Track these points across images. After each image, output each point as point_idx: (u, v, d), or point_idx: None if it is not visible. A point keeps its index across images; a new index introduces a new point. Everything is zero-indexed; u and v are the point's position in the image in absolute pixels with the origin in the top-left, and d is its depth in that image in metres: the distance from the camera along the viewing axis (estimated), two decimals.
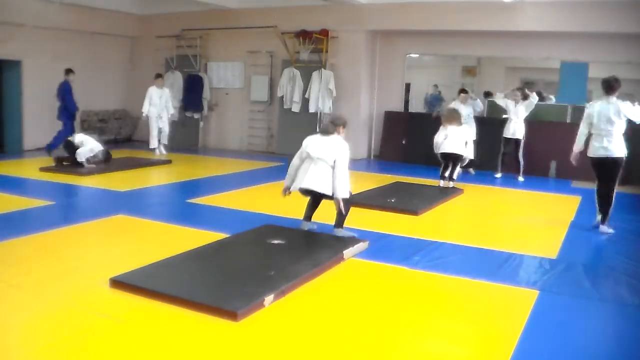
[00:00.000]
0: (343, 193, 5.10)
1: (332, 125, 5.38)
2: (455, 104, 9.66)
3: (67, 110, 10.71)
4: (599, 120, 5.96)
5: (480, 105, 10.12)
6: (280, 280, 3.97)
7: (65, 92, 10.69)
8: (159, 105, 11.01)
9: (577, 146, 6.22)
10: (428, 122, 10.05)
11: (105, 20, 12.31)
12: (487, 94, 10.24)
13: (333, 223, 5.31)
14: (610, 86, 5.98)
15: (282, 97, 11.63)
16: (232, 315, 3.41)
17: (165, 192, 7.75)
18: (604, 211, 6.11)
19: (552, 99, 10.52)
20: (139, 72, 13.37)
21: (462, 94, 9.84)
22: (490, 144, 9.98)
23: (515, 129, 9.29)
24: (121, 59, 13.27)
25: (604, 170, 6.09)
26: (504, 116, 9.58)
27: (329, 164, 5.14)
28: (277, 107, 11.93)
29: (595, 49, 9.83)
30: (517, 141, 9.35)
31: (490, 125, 10.18)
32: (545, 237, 5.88)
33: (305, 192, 5.31)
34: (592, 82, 10.32)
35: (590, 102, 6.37)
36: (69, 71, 10.98)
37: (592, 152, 6.08)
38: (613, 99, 5.95)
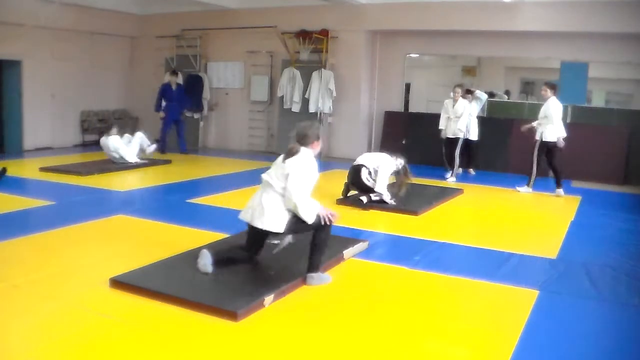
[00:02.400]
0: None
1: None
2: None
3: (167, 111, 11.24)
4: (560, 113, 7.98)
5: (484, 95, 10.04)
6: (280, 280, 3.97)
7: (159, 92, 11.28)
8: None
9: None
10: (428, 122, 10.06)
11: (105, 20, 12.30)
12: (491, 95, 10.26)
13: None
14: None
15: (282, 97, 11.62)
16: (232, 315, 3.41)
17: (165, 192, 7.75)
18: (560, 178, 8.14)
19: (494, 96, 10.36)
20: (139, 72, 13.37)
21: (468, 95, 9.90)
22: (491, 144, 10.01)
23: (454, 128, 9.22)
24: (121, 59, 13.27)
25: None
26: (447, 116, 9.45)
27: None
28: (277, 107, 11.92)
29: (595, 49, 9.82)
30: (454, 140, 9.25)
31: (492, 125, 10.20)
32: (545, 237, 5.89)
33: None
34: (592, 82, 10.34)
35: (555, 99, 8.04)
36: (171, 73, 11.46)
37: (558, 137, 7.90)
38: None
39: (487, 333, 3.47)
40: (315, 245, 4.14)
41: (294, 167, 3.99)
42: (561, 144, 7.94)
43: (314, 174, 4.11)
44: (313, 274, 4.11)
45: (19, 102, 11.06)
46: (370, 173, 6.91)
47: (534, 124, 8.14)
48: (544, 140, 7.95)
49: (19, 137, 11.15)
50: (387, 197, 6.83)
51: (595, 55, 9.92)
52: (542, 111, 8.00)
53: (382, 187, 6.84)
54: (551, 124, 7.86)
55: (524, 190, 8.18)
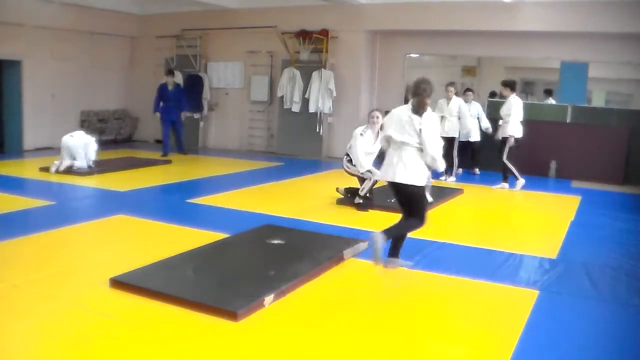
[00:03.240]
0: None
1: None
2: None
3: (163, 112, 10.87)
4: (521, 111, 8.26)
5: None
6: (280, 280, 3.97)
7: (157, 93, 10.88)
8: None
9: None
10: None
11: (105, 20, 12.31)
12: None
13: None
14: None
15: (282, 97, 11.63)
16: (232, 315, 3.41)
17: (165, 192, 7.75)
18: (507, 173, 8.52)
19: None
20: (139, 72, 13.37)
21: (467, 92, 9.84)
22: (492, 145, 10.00)
23: (450, 127, 9.08)
24: (121, 59, 13.27)
25: None
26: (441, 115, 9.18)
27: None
28: (277, 107, 11.93)
29: (595, 49, 9.82)
30: (451, 140, 9.06)
31: (492, 125, 10.18)
32: (545, 237, 5.89)
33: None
34: (592, 82, 10.34)
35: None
36: (166, 73, 11.12)
37: (511, 135, 8.22)
38: None
39: (487, 333, 3.47)
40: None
41: (429, 122, 4.28)
42: (511, 142, 8.20)
43: None
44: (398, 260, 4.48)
45: (19, 102, 11.06)
46: (350, 160, 6.77)
47: (500, 122, 8.41)
48: (516, 137, 8.23)
49: (19, 137, 11.15)
50: (369, 174, 6.60)
51: (595, 55, 9.92)
52: (505, 109, 8.26)
53: (360, 165, 6.61)
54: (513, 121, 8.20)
55: (518, 185, 8.32)
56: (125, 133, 13.40)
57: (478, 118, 9.84)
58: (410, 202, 4.44)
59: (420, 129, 4.22)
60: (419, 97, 4.29)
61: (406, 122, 4.28)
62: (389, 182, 4.42)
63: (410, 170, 4.27)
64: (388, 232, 4.33)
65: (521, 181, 8.31)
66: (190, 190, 7.80)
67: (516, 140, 8.23)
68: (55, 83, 11.58)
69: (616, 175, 9.51)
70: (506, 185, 8.47)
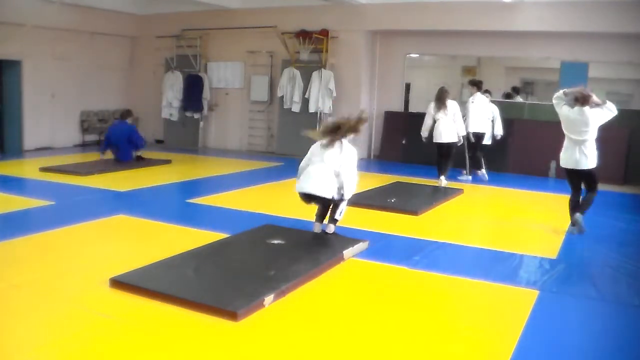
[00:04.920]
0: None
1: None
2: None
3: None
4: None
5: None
6: (280, 280, 3.97)
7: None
8: None
9: None
10: None
11: (105, 20, 12.31)
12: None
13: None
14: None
15: (282, 97, 11.62)
16: (232, 315, 3.41)
17: (165, 192, 7.75)
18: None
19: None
20: (139, 72, 13.37)
21: (485, 94, 9.74)
22: (491, 145, 10.00)
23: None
24: (121, 59, 13.27)
25: None
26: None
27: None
28: (277, 107, 11.93)
29: (595, 49, 9.82)
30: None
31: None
32: (545, 237, 5.88)
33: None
34: (592, 82, 10.33)
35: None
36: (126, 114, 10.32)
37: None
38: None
39: (487, 333, 3.47)
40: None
41: (601, 112, 5.57)
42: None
43: None
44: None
45: (19, 102, 11.05)
46: (339, 188, 5.13)
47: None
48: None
49: (19, 137, 11.14)
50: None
51: (595, 55, 9.92)
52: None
53: (351, 191, 5.25)
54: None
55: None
56: None
57: (492, 121, 9.44)
58: (591, 181, 5.77)
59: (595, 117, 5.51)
60: (584, 99, 5.52)
61: (580, 123, 5.56)
62: (570, 169, 5.77)
63: (591, 157, 5.62)
64: (583, 211, 5.83)
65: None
66: (190, 190, 7.80)
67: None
68: (55, 83, 11.57)
69: (616, 175, 9.49)
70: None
